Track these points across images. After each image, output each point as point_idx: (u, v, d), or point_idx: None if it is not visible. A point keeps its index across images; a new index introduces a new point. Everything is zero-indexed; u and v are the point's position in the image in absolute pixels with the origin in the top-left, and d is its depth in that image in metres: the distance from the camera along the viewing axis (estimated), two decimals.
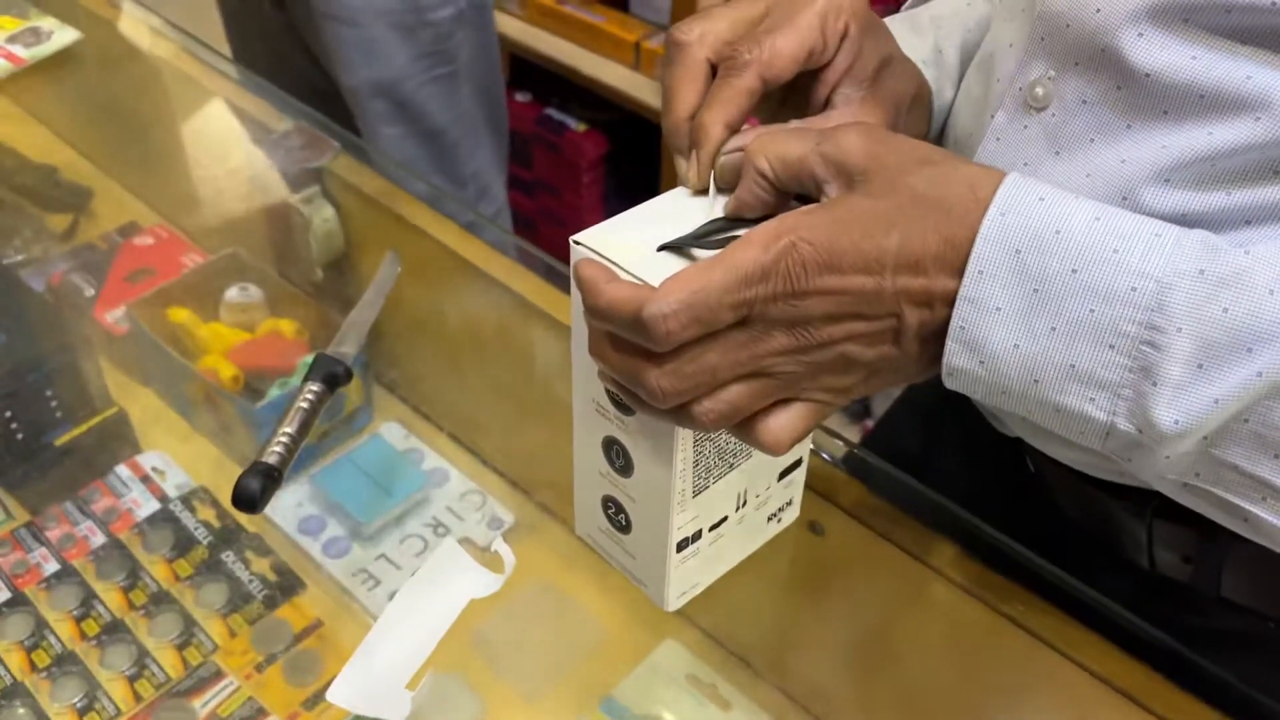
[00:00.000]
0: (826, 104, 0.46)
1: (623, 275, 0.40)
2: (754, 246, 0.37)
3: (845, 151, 0.38)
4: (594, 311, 0.39)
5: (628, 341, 0.38)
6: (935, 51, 0.52)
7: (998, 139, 0.46)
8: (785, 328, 0.37)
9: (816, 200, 0.39)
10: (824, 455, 0.58)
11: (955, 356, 0.37)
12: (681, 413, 0.39)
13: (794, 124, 0.44)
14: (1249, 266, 0.34)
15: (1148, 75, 0.40)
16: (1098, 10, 0.41)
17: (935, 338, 0.38)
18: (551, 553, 0.75)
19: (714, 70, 0.44)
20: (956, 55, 0.53)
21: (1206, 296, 0.34)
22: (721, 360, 0.38)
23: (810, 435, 0.50)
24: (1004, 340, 0.36)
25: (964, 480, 0.59)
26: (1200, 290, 0.34)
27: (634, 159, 1.89)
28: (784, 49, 0.43)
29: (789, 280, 0.36)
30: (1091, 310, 0.35)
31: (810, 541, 0.59)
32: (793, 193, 0.41)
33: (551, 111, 1.96)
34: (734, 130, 0.43)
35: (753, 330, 0.38)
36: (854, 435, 0.70)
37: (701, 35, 0.43)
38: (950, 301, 0.37)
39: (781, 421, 0.40)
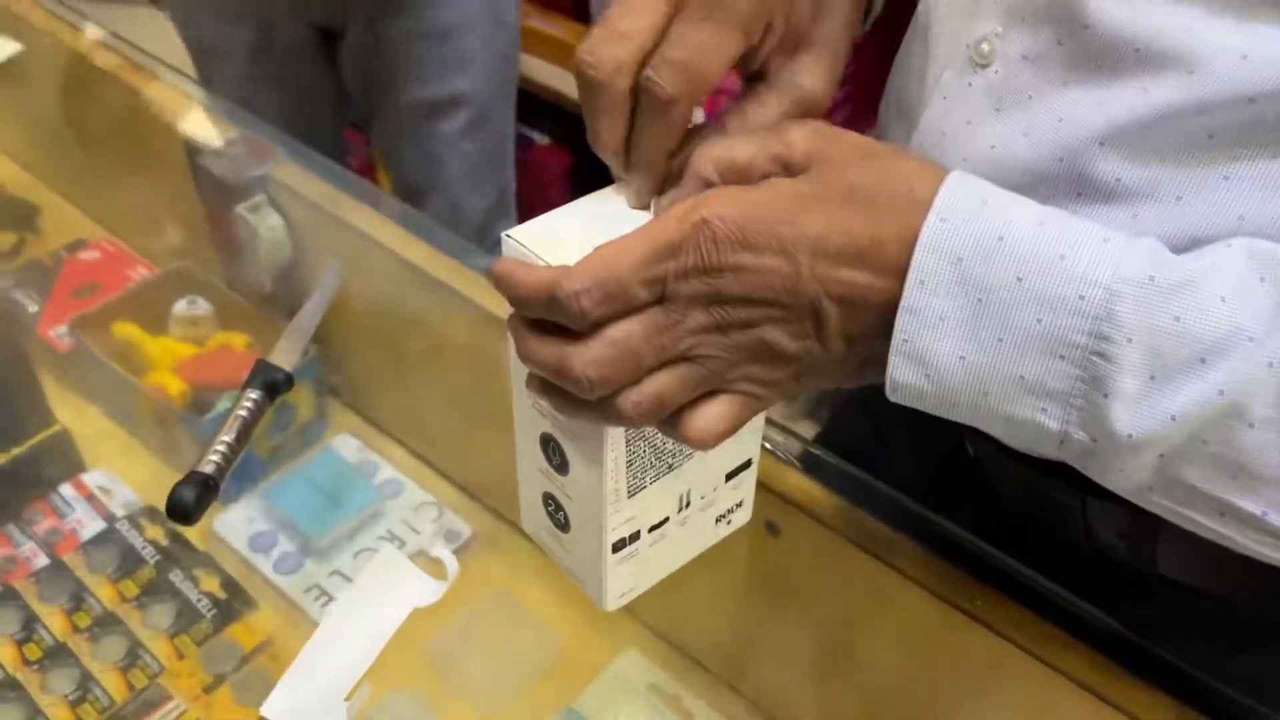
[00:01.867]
0: (760, 75, 0.44)
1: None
2: (669, 220, 0.36)
3: (791, 149, 0.37)
4: (513, 301, 0.38)
5: (551, 334, 0.37)
6: None
7: (944, 98, 0.45)
8: (702, 305, 0.36)
9: None
10: (779, 454, 0.57)
11: (899, 370, 0.36)
12: (608, 406, 0.38)
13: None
14: (1198, 273, 0.33)
15: (1086, 27, 0.39)
16: None
17: (864, 338, 0.37)
18: (509, 564, 0.73)
19: (635, 93, 0.41)
20: None
21: (1156, 305, 0.33)
22: (644, 344, 0.36)
23: (758, 436, 0.50)
24: (949, 352, 0.35)
25: (915, 472, 0.59)
26: (1149, 298, 0.33)
27: (599, 172, 1.88)
28: (707, 72, 0.40)
29: (700, 255, 0.35)
30: (1039, 320, 0.34)
31: (768, 543, 0.58)
32: None
33: (517, 126, 1.95)
34: (673, 156, 0.41)
35: (671, 310, 0.36)
36: (809, 430, 0.69)
37: (616, 65, 0.40)
38: (876, 303, 0.36)
39: (709, 414, 0.38)
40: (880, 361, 0.37)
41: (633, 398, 0.37)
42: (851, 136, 0.38)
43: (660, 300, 0.36)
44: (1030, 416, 0.35)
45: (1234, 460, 0.34)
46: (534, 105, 1.90)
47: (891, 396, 0.37)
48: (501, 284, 0.38)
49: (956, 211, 0.35)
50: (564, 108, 1.80)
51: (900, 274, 0.35)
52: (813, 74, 0.43)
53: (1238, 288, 0.33)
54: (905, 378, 0.36)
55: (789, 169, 0.37)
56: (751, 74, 0.44)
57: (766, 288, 0.36)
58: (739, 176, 0.38)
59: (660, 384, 0.37)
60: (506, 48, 1.28)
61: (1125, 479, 0.36)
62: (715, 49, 0.40)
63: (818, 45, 0.44)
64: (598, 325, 0.36)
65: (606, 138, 0.41)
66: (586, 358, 0.37)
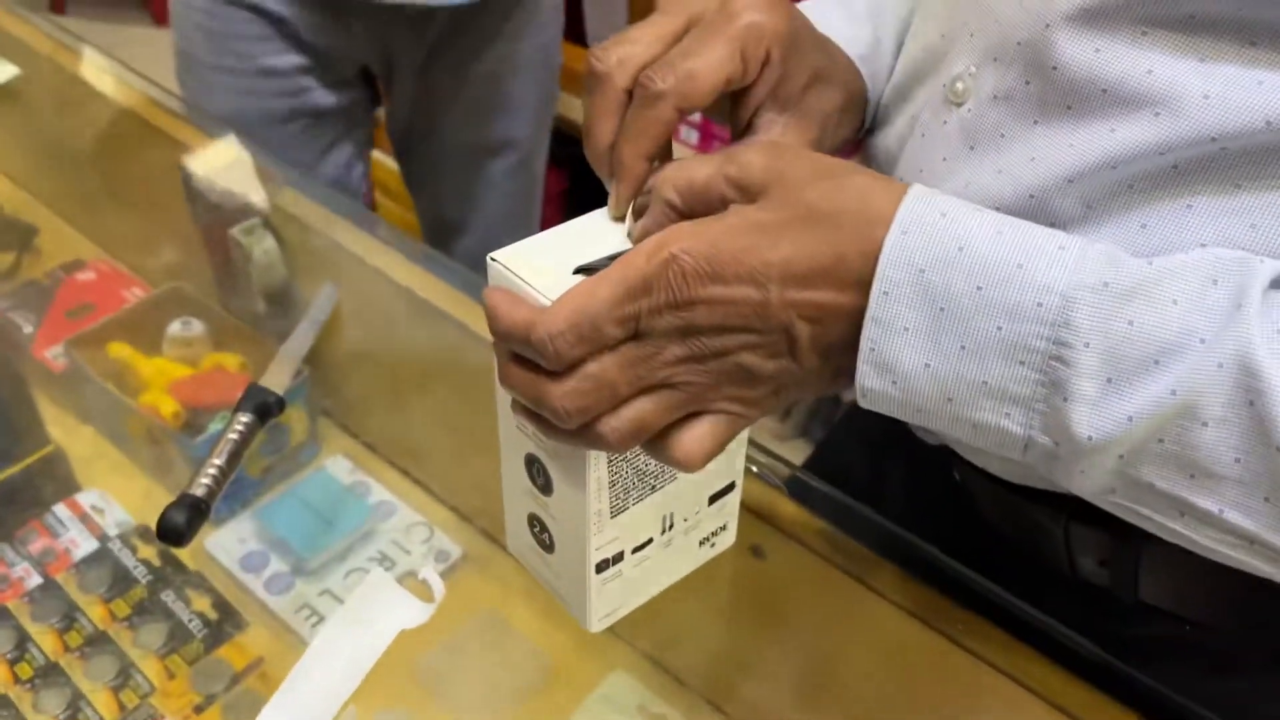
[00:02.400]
0: (749, 126, 0.45)
1: (535, 295, 0.40)
2: (638, 258, 0.37)
3: (746, 169, 0.38)
4: (495, 334, 0.39)
5: (530, 364, 0.38)
6: (874, 43, 0.52)
7: (922, 135, 0.46)
8: (678, 338, 0.37)
9: None
10: (765, 478, 0.58)
11: (867, 378, 0.37)
12: (589, 433, 0.38)
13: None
14: (1152, 277, 0.34)
15: (1054, 69, 0.40)
16: (1021, 3, 0.41)
17: (835, 351, 0.38)
18: (499, 584, 0.74)
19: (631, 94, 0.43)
20: (893, 45, 0.53)
21: (1111, 310, 0.34)
22: (619, 376, 0.37)
23: (740, 459, 0.50)
24: (914, 360, 0.36)
25: (906, 498, 0.59)
26: (1104, 304, 0.34)
27: (594, 193, 1.89)
28: (700, 76, 0.42)
29: (671, 291, 0.36)
30: (999, 327, 0.35)
31: (753, 566, 0.59)
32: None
33: None
34: (651, 160, 0.42)
35: (647, 344, 0.37)
36: (800, 452, 0.70)
37: (620, 62, 0.42)
38: (844, 316, 0.37)
39: (694, 435, 0.39)
40: (852, 371, 0.38)
41: (612, 424, 0.38)
42: (806, 154, 0.39)
43: (635, 335, 0.37)
44: (994, 421, 0.36)
45: (1190, 459, 0.35)
46: None
47: (862, 403, 0.38)
48: (489, 315, 0.39)
49: (918, 224, 0.36)
50: (560, 129, 1.82)
51: (864, 287, 0.36)
52: (795, 138, 0.45)
53: (1189, 290, 0.34)
54: (873, 385, 0.37)
55: (747, 191, 0.38)
56: (742, 129, 0.45)
57: (738, 316, 0.37)
58: (698, 198, 0.39)
59: (639, 409, 0.38)
60: (552, 90, 1.28)
61: (1088, 481, 0.37)
62: (710, 60, 0.42)
63: (805, 113, 0.45)
64: (574, 364, 0.37)
65: (598, 133, 0.43)
66: (563, 390, 0.38)
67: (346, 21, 1.08)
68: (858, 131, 0.52)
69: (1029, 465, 0.38)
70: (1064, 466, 0.37)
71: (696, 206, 0.39)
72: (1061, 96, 0.40)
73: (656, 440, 0.40)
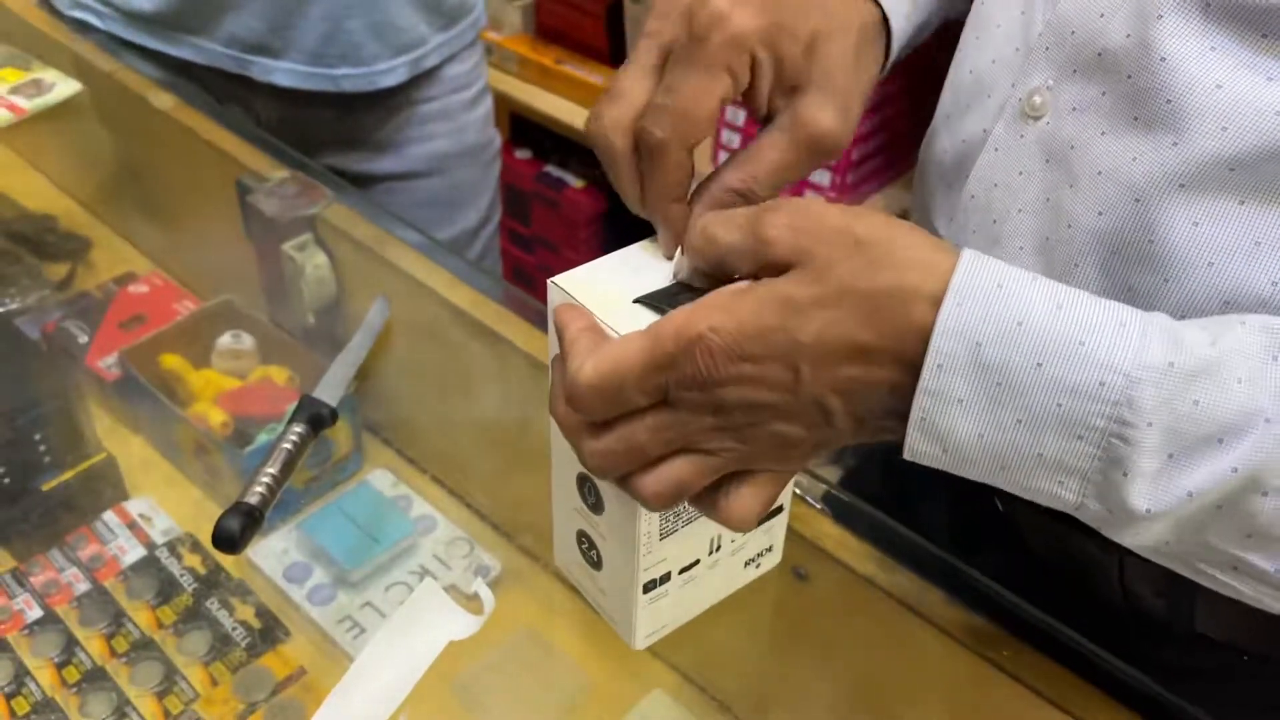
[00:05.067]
0: (768, 114, 0.45)
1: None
2: (667, 331, 0.36)
3: (773, 245, 0.37)
4: (557, 367, 0.39)
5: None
6: None
7: (996, 149, 0.46)
8: (708, 412, 0.37)
9: None
10: (808, 500, 0.58)
11: (917, 443, 0.37)
12: (626, 485, 0.39)
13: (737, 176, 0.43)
14: (1217, 359, 0.34)
15: (1129, 78, 0.40)
16: (1101, 15, 0.41)
17: (873, 416, 0.37)
18: (537, 601, 0.74)
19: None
20: None
21: (1176, 390, 0.34)
22: (648, 440, 0.38)
23: (790, 482, 0.51)
24: (968, 430, 0.36)
25: (944, 522, 0.59)
26: (1169, 384, 0.34)
27: (631, 215, 1.91)
28: (693, 112, 0.41)
29: (698, 368, 0.36)
30: (1059, 404, 0.34)
31: (795, 588, 0.59)
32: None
33: (550, 169, 1.98)
34: (684, 199, 0.43)
35: (678, 412, 0.37)
36: (836, 474, 0.70)
37: (614, 124, 0.42)
38: (879, 388, 0.36)
39: (740, 500, 0.39)
40: (892, 430, 0.38)
41: (649, 484, 0.38)
42: (831, 220, 0.37)
43: (666, 401, 0.37)
44: (1048, 488, 0.36)
45: (1248, 524, 0.35)
46: (568, 149, 1.94)
47: (907, 458, 0.38)
48: (558, 336, 0.40)
49: (973, 295, 0.35)
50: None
51: (901, 363, 0.36)
52: (817, 111, 0.43)
53: (1253, 370, 0.34)
54: (922, 449, 0.37)
55: (774, 265, 0.37)
56: (763, 117, 0.45)
57: (768, 393, 0.36)
58: (723, 265, 0.39)
59: (677, 471, 0.38)
60: (493, 179, 1.24)
61: (1139, 540, 0.37)
62: (701, 91, 0.41)
63: (818, 82, 0.44)
64: (606, 421, 0.38)
65: (625, 192, 0.43)
66: (594, 445, 0.38)
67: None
68: (884, 61, 0.50)
69: None
70: (1117, 529, 0.37)
71: (724, 269, 0.39)
72: (1129, 107, 0.41)
73: (704, 501, 0.40)
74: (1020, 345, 0.35)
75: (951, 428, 0.36)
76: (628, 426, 0.38)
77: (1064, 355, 0.34)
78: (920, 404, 0.36)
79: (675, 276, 0.43)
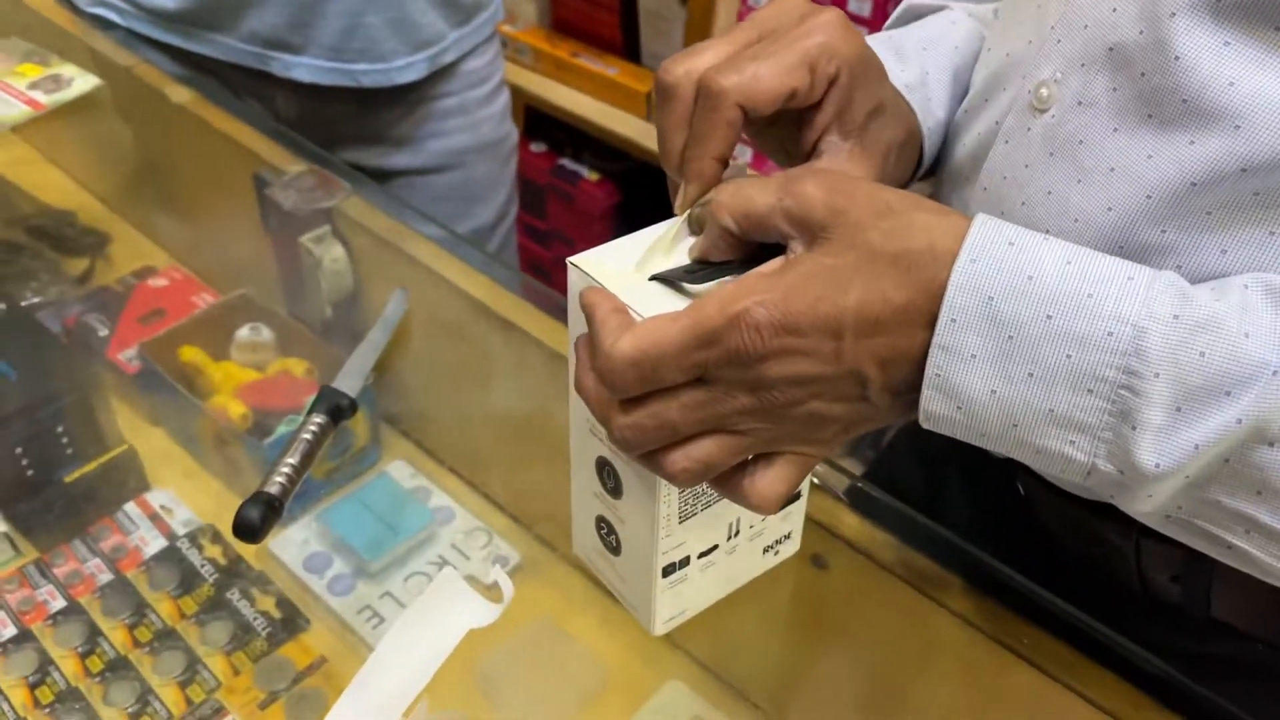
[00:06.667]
0: (814, 150, 0.45)
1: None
2: (710, 308, 0.37)
3: (805, 205, 0.38)
4: (585, 336, 0.39)
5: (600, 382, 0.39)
6: (922, 74, 0.52)
7: (1006, 142, 0.46)
8: (746, 390, 0.37)
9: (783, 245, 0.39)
10: (827, 488, 0.58)
11: (932, 403, 0.37)
12: (653, 462, 0.39)
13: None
14: (1222, 311, 0.35)
15: (1141, 75, 0.40)
16: (1113, 9, 0.41)
17: (905, 388, 0.38)
18: (555, 592, 0.74)
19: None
20: (947, 77, 0.53)
21: (1183, 340, 0.34)
22: (681, 417, 0.38)
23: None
24: (981, 386, 0.36)
25: (965, 510, 0.59)
26: (1176, 334, 0.34)
27: (646, 208, 1.91)
28: (765, 79, 0.41)
29: (743, 341, 0.36)
30: (1068, 356, 0.35)
31: (814, 576, 0.59)
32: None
33: (565, 162, 1.99)
34: (720, 160, 0.43)
35: (713, 390, 0.38)
36: (856, 467, 0.70)
37: (687, 73, 0.42)
38: (917, 356, 0.37)
39: (766, 481, 0.39)
40: (919, 401, 0.38)
41: (676, 461, 0.38)
42: (864, 187, 0.39)
43: (701, 380, 0.38)
44: (1059, 448, 0.37)
45: (1257, 477, 0.35)
46: (583, 141, 1.94)
47: (924, 424, 0.38)
48: (585, 315, 0.40)
49: (985, 252, 0.36)
50: (611, 144, 1.84)
51: (931, 323, 0.36)
52: (858, 167, 0.44)
53: (1259, 324, 0.35)
54: (938, 409, 0.37)
55: (806, 228, 0.38)
56: (806, 153, 0.45)
57: (810, 366, 0.37)
58: (754, 228, 0.39)
59: (705, 450, 0.38)
60: (510, 174, 1.25)
61: (1152, 504, 0.37)
62: (777, 66, 0.42)
63: (868, 143, 0.45)
64: (638, 398, 0.38)
65: (670, 143, 0.43)
66: (624, 420, 0.38)
67: None
68: (913, 173, 0.52)
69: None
70: (1129, 493, 0.37)
71: (753, 234, 0.40)
72: (1142, 105, 0.40)
73: (727, 482, 0.40)
74: (1030, 298, 0.35)
75: (965, 383, 0.36)
76: (660, 403, 0.38)
77: (1073, 307, 0.35)
78: (935, 360, 0.36)
79: (690, 255, 0.43)
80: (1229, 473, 0.35)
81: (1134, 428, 0.35)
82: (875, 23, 1.56)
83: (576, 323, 0.42)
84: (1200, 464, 0.35)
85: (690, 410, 0.38)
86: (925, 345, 0.37)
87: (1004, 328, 0.35)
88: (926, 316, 0.36)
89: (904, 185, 0.51)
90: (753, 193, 0.39)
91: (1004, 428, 0.37)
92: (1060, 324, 0.35)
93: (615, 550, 0.49)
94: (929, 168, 0.54)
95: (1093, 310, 0.35)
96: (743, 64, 0.42)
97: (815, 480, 0.58)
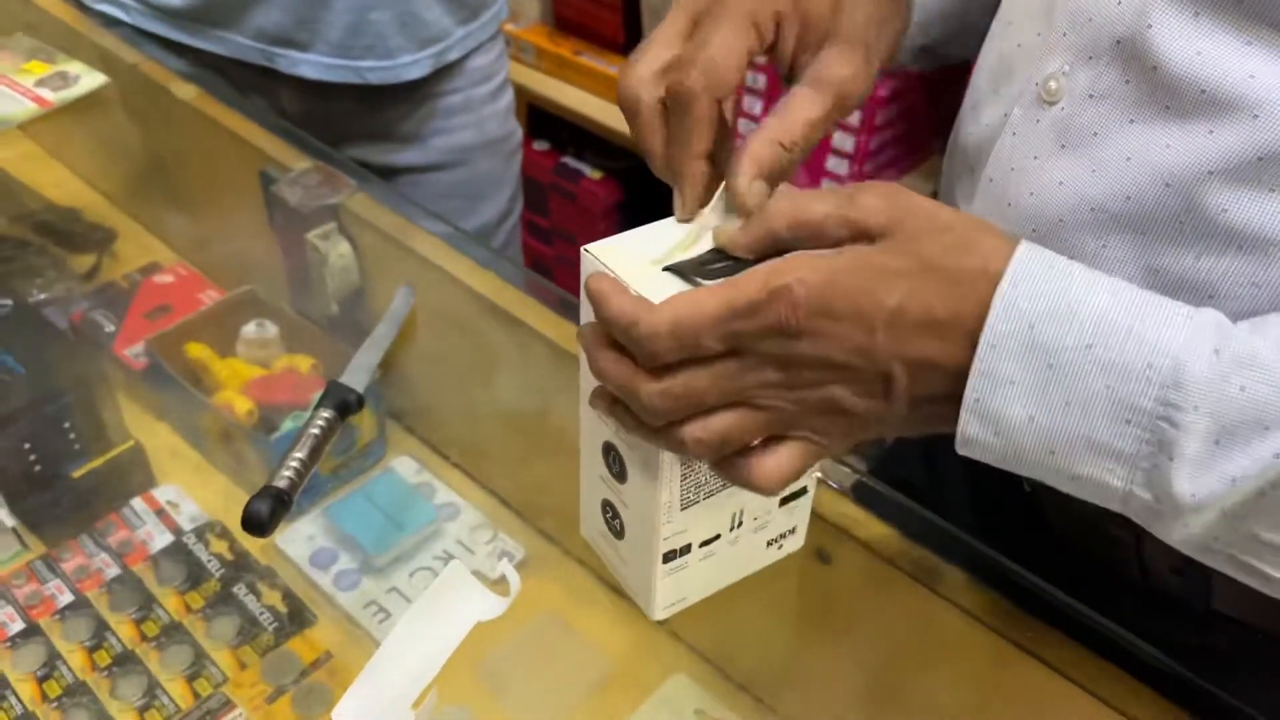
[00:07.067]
0: (794, 71, 0.46)
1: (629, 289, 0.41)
2: (752, 281, 0.37)
3: (866, 213, 0.38)
4: (600, 319, 0.40)
5: (625, 356, 0.39)
6: None
7: (1014, 134, 0.47)
8: (776, 364, 0.38)
9: None
10: (832, 483, 0.59)
11: (970, 427, 0.37)
12: (671, 435, 0.39)
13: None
14: (1262, 348, 0.35)
15: (1154, 68, 0.41)
16: (1118, 2, 0.42)
17: (927, 401, 0.38)
18: (561, 586, 0.75)
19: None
20: None
21: (1223, 375, 0.34)
22: (710, 386, 0.38)
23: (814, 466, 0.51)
24: (1019, 413, 0.36)
25: (968, 504, 0.60)
26: (1217, 369, 0.34)
27: (648, 206, 1.91)
28: (722, 62, 0.42)
29: (780, 316, 0.37)
30: (1108, 386, 0.35)
31: (818, 570, 0.59)
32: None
33: (568, 160, 1.99)
34: (707, 158, 0.43)
35: (745, 361, 0.38)
36: (860, 462, 0.71)
37: (641, 79, 0.43)
38: (945, 370, 0.37)
39: (775, 460, 0.40)
40: (943, 419, 0.38)
41: (696, 434, 0.39)
42: (923, 204, 0.39)
43: (734, 352, 0.38)
44: (1096, 475, 0.37)
45: None
46: (584, 139, 1.94)
47: (960, 450, 0.39)
48: (595, 299, 0.40)
49: (1028, 277, 0.36)
50: (613, 142, 1.84)
51: (971, 342, 0.37)
52: (841, 64, 0.44)
53: None
54: (975, 434, 0.38)
55: (864, 234, 0.39)
56: (788, 76, 0.46)
57: (841, 352, 0.37)
58: (810, 235, 0.40)
59: (726, 422, 0.39)
60: (514, 171, 1.25)
61: (1187, 533, 0.37)
62: (728, 46, 0.42)
63: (843, 38, 0.45)
64: (669, 366, 0.38)
65: (649, 148, 0.44)
66: (653, 388, 0.39)
67: None
68: (902, 31, 0.51)
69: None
70: (1163, 521, 0.37)
71: (802, 242, 0.40)
72: (1160, 97, 0.41)
73: (735, 460, 0.40)
74: (1072, 327, 0.35)
75: (1003, 410, 0.36)
76: (691, 372, 0.38)
77: (1114, 339, 0.35)
78: (974, 386, 0.36)
79: (713, 240, 0.43)
80: (1266, 506, 0.35)
81: (1172, 458, 0.35)
82: None
83: (589, 308, 0.43)
84: (1237, 497, 0.35)
85: (720, 379, 0.38)
86: (958, 360, 0.37)
87: (1043, 355, 0.36)
88: (967, 334, 0.37)
89: (898, 34, 0.50)
90: (809, 201, 0.40)
91: (1041, 454, 0.37)
92: (1101, 354, 0.35)
93: (619, 534, 0.49)
94: (924, 16, 0.52)
95: (1134, 342, 0.35)
96: (696, 57, 0.42)
97: (820, 474, 0.59)
